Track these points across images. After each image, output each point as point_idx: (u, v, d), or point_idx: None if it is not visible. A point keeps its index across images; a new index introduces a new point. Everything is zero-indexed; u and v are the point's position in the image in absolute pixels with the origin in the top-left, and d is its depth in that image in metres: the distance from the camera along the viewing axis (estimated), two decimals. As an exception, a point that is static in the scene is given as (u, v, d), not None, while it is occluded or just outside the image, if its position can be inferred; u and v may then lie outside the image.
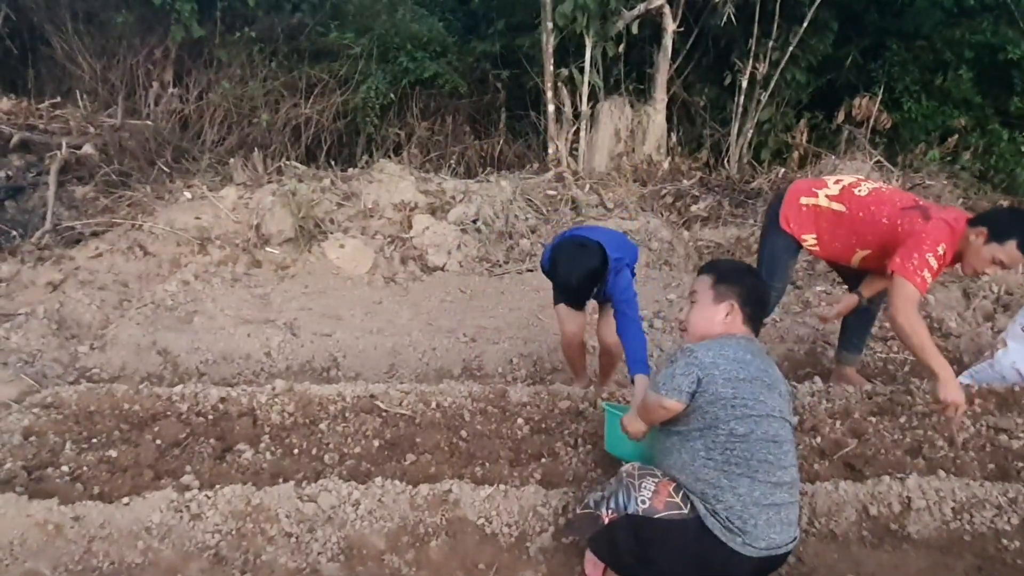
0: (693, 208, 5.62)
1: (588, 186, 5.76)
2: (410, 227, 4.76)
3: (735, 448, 2.04)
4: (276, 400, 2.98)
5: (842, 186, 3.18)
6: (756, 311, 2.30)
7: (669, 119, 7.62)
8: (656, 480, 2.14)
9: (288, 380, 3.23)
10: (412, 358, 3.74)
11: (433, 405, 2.99)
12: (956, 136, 7.42)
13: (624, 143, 6.91)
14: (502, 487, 2.46)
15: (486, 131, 8.06)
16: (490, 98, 8.13)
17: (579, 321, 3.21)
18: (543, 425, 2.94)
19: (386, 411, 2.94)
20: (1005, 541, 2.52)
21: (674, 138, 7.21)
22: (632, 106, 7.00)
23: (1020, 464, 2.80)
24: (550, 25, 6.01)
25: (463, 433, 2.85)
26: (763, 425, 2.07)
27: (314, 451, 2.71)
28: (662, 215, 5.57)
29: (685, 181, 6.30)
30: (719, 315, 2.25)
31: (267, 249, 4.63)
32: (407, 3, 7.79)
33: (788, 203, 3.23)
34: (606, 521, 2.15)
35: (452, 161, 7.51)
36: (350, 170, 5.59)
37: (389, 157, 7.52)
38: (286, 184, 4.87)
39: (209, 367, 3.69)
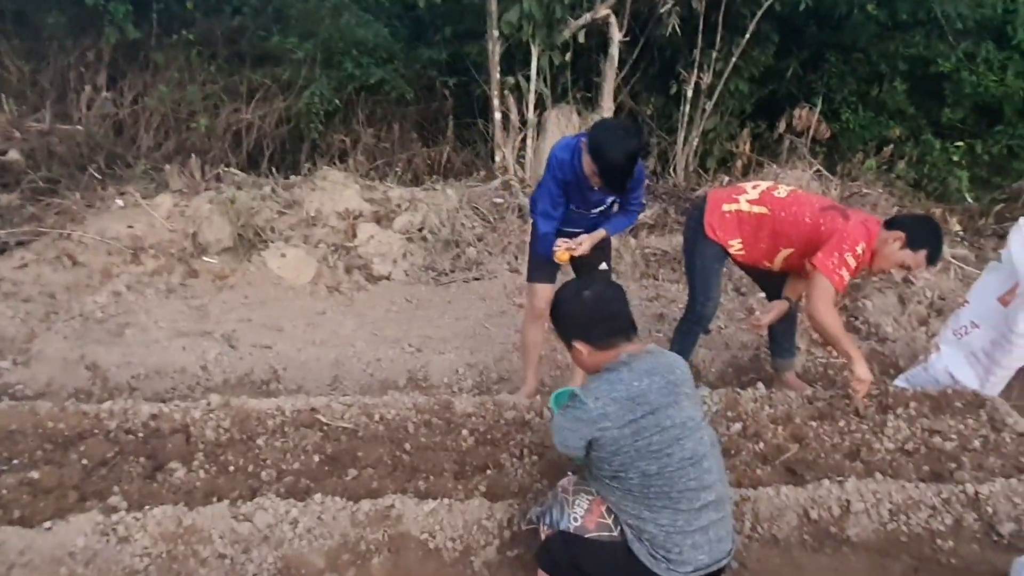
0: (640, 216, 5.66)
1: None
2: (354, 236, 4.66)
3: (652, 485, 2.01)
4: (211, 415, 2.87)
5: (761, 190, 3.29)
6: (606, 327, 2.11)
7: (617, 127, 7.67)
8: (590, 499, 2.14)
9: (225, 394, 3.12)
10: (356, 369, 3.65)
11: (376, 418, 2.92)
12: (892, 146, 7.68)
13: (572, 151, 6.91)
14: (446, 501, 2.41)
15: (434, 138, 7.99)
16: (437, 105, 8.06)
17: (549, 297, 3.16)
18: (489, 436, 2.89)
19: (327, 425, 2.86)
20: (940, 541, 2.58)
21: (621, 146, 7.25)
22: (579, 114, 7.02)
23: (953, 465, 2.87)
24: (496, 33, 5.99)
25: (407, 446, 2.78)
26: (676, 453, 2.00)
27: (251, 468, 2.61)
28: (609, 223, 5.59)
29: (632, 189, 6.33)
30: (585, 357, 2.15)
31: (204, 259, 4.47)
32: (352, 8, 7.65)
33: (711, 212, 3.31)
34: (543, 537, 2.17)
35: (399, 169, 7.42)
36: (292, 177, 5.45)
37: (334, 164, 7.38)
38: (224, 191, 4.71)
39: (141, 382, 3.53)
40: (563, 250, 3.04)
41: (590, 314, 2.12)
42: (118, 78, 7.35)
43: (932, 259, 3.10)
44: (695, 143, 7.68)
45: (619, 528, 2.07)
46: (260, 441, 2.75)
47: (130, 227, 4.60)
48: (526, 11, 5.66)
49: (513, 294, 4.51)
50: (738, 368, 3.92)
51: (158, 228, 4.61)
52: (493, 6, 5.84)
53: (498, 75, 6.21)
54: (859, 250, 3.07)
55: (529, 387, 3.32)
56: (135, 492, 2.53)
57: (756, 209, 3.27)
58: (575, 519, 2.10)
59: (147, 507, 2.36)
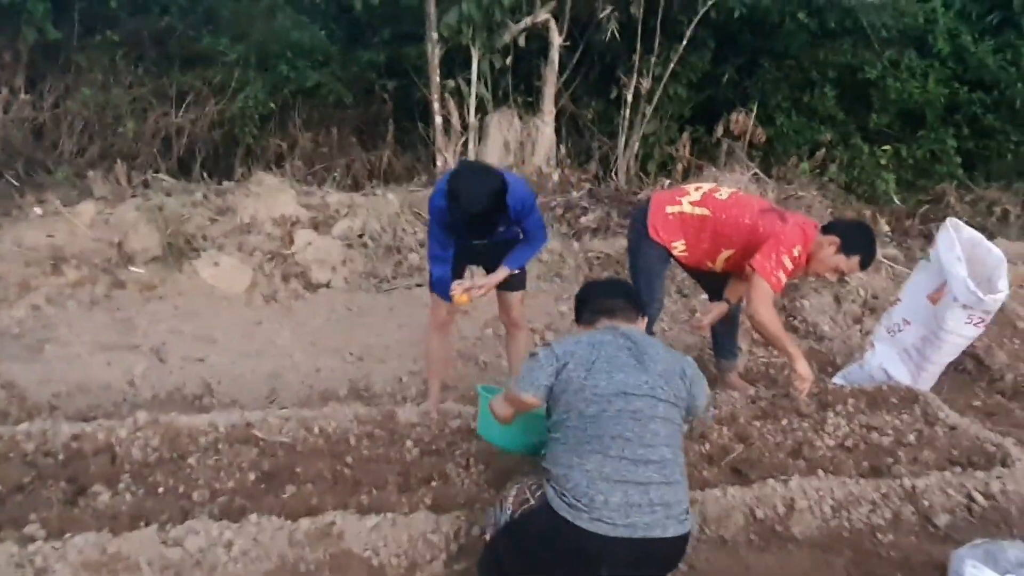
0: (583, 220, 5.69)
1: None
2: (292, 243, 4.52)
3: (587, 428, 2.02)
4: (138, 434, 2.71)
5: (703, 192, 3.35)
6: (591, 308, 2.36)
7: (558, 131, 7.70)
8: (518, 486, 2.16)
9: (154, 411, 2.95)
10: (294, 381, 3.52)
11: (316, 431, 2.81)
12: (823, 150, 7.93)
13: (514, 155, 6.91)
14: (390, 515, 2.32)
15: (373, 143, 7.84)
16: (377, 109, 7.91)
17: (451, 307, 3.12)
18: (433, 447, 2.82)
19: (264, 440, 2.73)
20: (879, 536, 2.63)
21: (563, 150, 7.29)
22: (521, 118, 7.02)
23: (890, 460, 2.94)
24: (435, 36, 5.92)
25: (348, 459, 2.69)
26: (619, 403, 2.03)
27: (181, 489, 2.47)
28: (552, 227, 5.59)
29: (575, 193, 6.36)
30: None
31: (131, 268, 4.25)
32: (286, 10, 7.44)
33: (654, 214, 3.34)
34: (488, 539, 2.16)
35: (337, 174, 7.26)
36: (225, 183, 5.25)
37: (271, 169, 7.17)
38: (153, 198, 4.50)
39: (62, 400, 3.32)
40: (460, 292, 2.93)
41: (582, 297, 2.43)
42: (37, 80, 6.95)
43: (865, 264, 3.23)
44: (636, 147, 7.76)
45: (538, 494, 2.06)
46: (192, 460, 2.61)
47: (50, 236, 4.34)
48: (465, 14, 5.61)
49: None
50: (682, 370, 3.93)
51: (80, 237, 4.37)
52: (432, 8, 5.77)
53: (438, 78, 6.14)
54: (795, 252, 3.16)
55: (433, 397, 3.25)
56: (55, 519, 2.35)
57: (698, 211, 3.32)
58: (507, 508, 2.12)
59: (68, 535, 2.20)
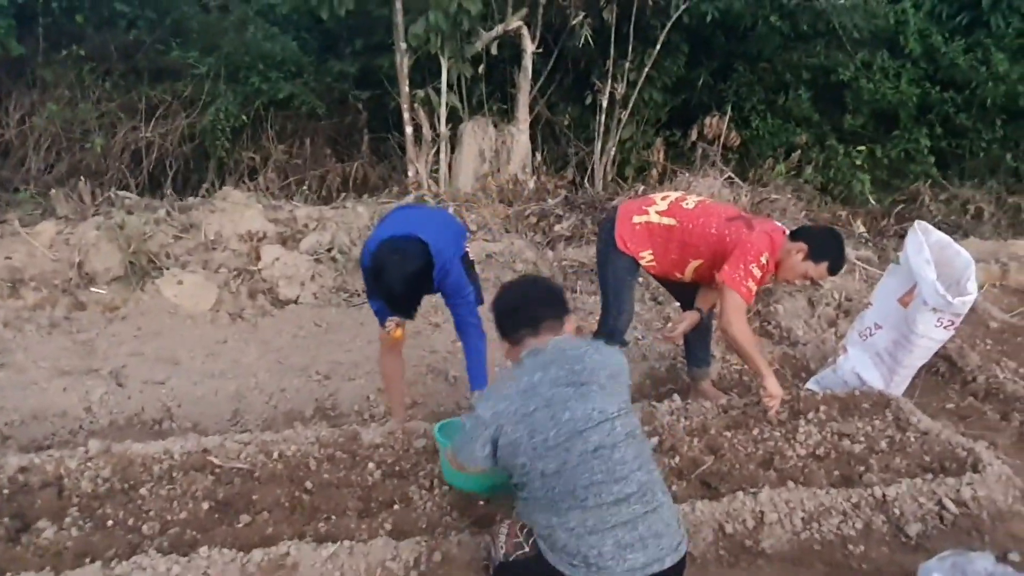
0: (557, 227, 5.64)
1: (452, 208, 5.64)
2: (258, 259, 4.43)
3: (555, 487, 1.89)
4: (88, 464, 2.61)
5: (670, 201, 3.31)
6: (511, 320, 2.11)
7: (534, 139, 7.67)
8: (508, 523, 2.09)
9: (112, 438, 2.87)
10: (258, 402, 3.44)
11: (275, 455, 2.73)
12: (799, 152, 7.94)
13: (489, 163, 6.86)
14: (347, 543, 2.25)
15: (348, 153, 7.79)
16: (351, 119, 7.86)
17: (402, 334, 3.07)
18: (397, 468, 2.75)
19: (220, 467, 2.65)
20: (851, 547, 2.59)
21: (539, 157, 7.25)
22: (496, 126, 6.98)
23: (862, 468, 2.90)
24: (404, 45, 5.87)
25: (308, 484, 2.61)
26: (576, 447, 1.88)
27: (131, 521, 2.38)
28: (527, 235, 5.55)
29: (550, 200, 6.32)
30: (506, 353, 2.19)
31: (92, 289, 4.15)
32: (257, 21, 7.38)
33: (621, 224, 3.30)
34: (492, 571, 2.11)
35: (313, 185, 7.19)
36: (191, 199, 5.17)
37: (244, 182, 7.11)
38: (114, 216, 4.40)
39: (15, 429, 3.21)
40: (393, 327, 2.91)
41: (500, 309, 2.15)
42: (2, 97, 6.85)
43: (833, 270, 3.20)
44: (612, 152, 7.74)
45: (531, 541, 1.98)
46: (144, 490, 2.52)
47: (8, 258, 4.24)
48: (432, 23, 5.56)
49: (429, 313, 4.38)
50: (655, 379, 3.90)
51: (39, 258, 4.26)
52: (399, 18, 5.72)
53: (408, 88, 6.08)
54: (763, 260, 3.13)
55: (396, 415, 3.18)
56: (-4, 557, 2.27)
57: (665, 221, 3.27)
58: (501, 547, 2.06)
59: (8, 575, 2.11)
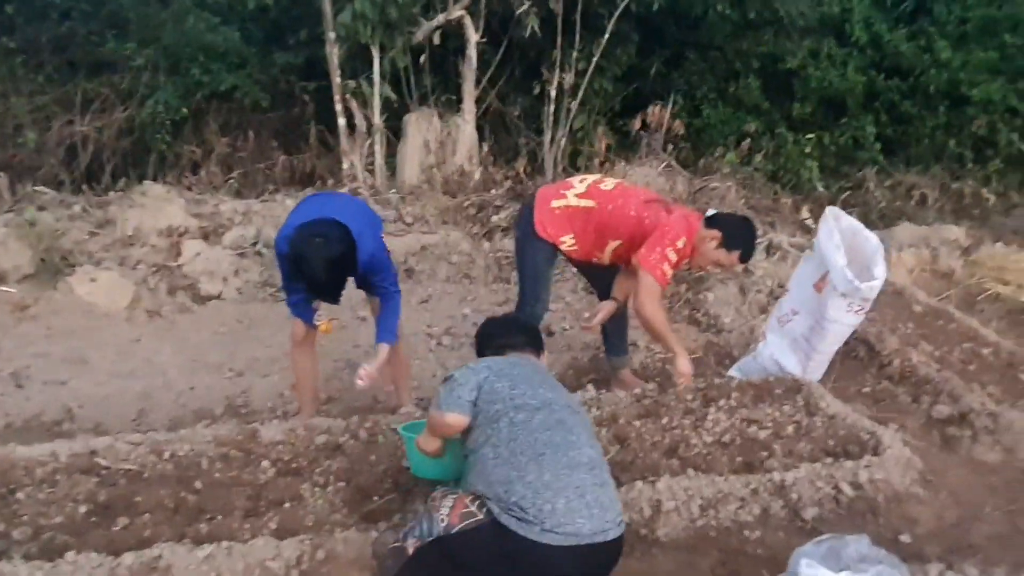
0: (495, 218, 5.61)
1: (390, 201, 5.58)
2: (179, 254, 4.35)
3: (518, 437, 2.02)
4: (-31, 469, 2.54)
5: (588, 184, 3.32)
6: (506, 341, 2.46)
7: (484, 129, 7.62)
8: (455, 496, 2.10)
9: (8, 441, 2.79)
10: (166, 401, 3.37)
11: (167, 456, 2.68)
12: (749, 140, 7.96)
13: (434, 155, 6.80)
14: (225, 544, 2.20)
15: (296, 146, 7.67)
16: (298, 111, 7.75)
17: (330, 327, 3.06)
18: (293, 465, 2.70)
19: (107, 469, 2.59)
20: (747, 532, 2.59)
21: (486, 148, 7.20)
22: (441, 117, 6.91)
23: (765, 454, 2.90)
24: (332, 35, 5.77)
25: (197, 484, 2.55)
26: (544, 412, 2.09)
27: (2, 527, 2.32)
28: (465, 227, 5.51)
29: (493, 191, 6.28)
30: None
31: (1, 288, 4.04)
32: (197, 12, 7.22)
33: (540, 210, 3.28)
34: (411, 551, 2.06)
35: (258, 179, 7.09)
36: (112, 194, 5.05)
37: (186, 176, 6.99)
38: (25, 213, 4.29)
39: (-95, 434, 3.13)
40: (324, 323, 2.95)
41: (479, 332, 2.57)
42: (-72, 91, 6.67)
43: (744, 259, 3.25)
44: (563, 143, 7.70)
45: (484, 510, 1.99)
46: (21, 494, 2.45)
47: (-84, 258, 4.12)
48: (358, 11, 5.47)
49: (357, 306, 4.32)
50: (579, 370, 3.89)
51: (-53, 258, 4.15)
52: (327, 7, 5.62)
53: (339, 79, 5.99)
54: (680, 244, 3.15)
55: (305, 413, 3.14)
56: None
57: (583, 203, 3.28)
58: (442, 520, 2.04)
59: None
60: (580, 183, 3.37)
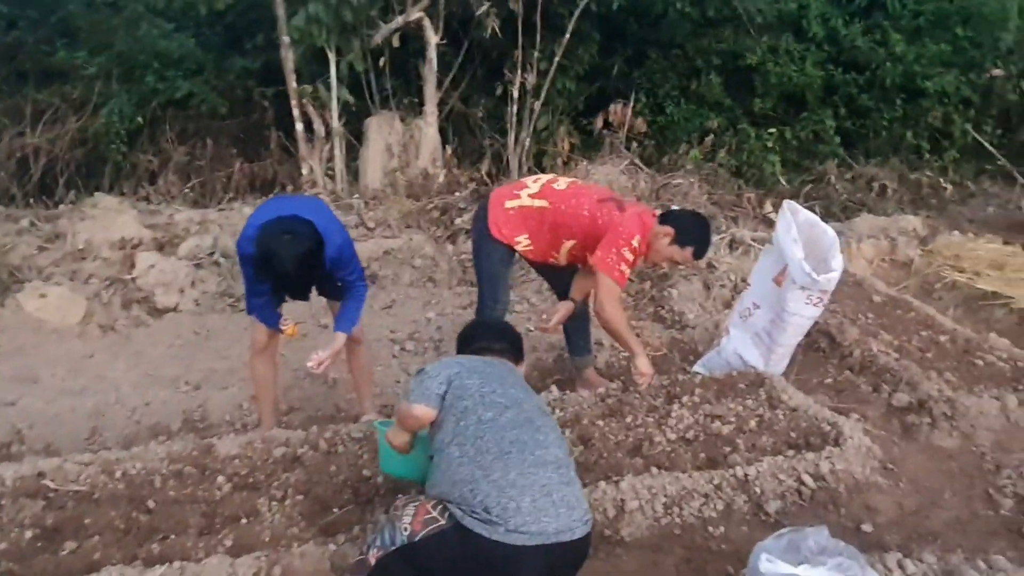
0: (458, 221, 5.57)
1: (352, 206, 5.52)
2: (132, 267, 4.24)
3: (485, 435, 2.01)
4: (-92, 497, 2.44)
5: (541, 184, 3.30)
6: (486, 344, 2.46)
7: (447, 131, 7.58)
8: (416, 504, 2.06)
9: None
10: (120, 417, 3.28)
11: (118, 475, 2.60)
12: (712, 136, 8.02)
13: (398, 158, 6.74)
14: (177, 564, 2.14)
15: (256, 152, 7.56)
16: (258, 117, 7.63)
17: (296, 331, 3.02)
18: (249, 480, 2.64)
19: (55, 491, 2.51)
20: (711, 528, 2.59)
21: (449, 150, 7.16)
22: (403, 120, 6.86)
23: (728, 449, 2.91)
24: (287, 39, 5.69)
25: (150, 503, 2.48)
26: (513, 410, 2.09)
27: (-57, 557, 2.23)
28: (428, 230, 5.46)
29: (456, 194, 6.24)
30: None
31: (-54, 307, 3.92)
32: (150, 18, 7.07)
33: (494, 211, 3.26)
34: (373, 562, 2.01)
35: (218, 187, 6.97)
36: (60, 207, 4.92)
37: (142, 187, 6.85)
38: (-32, 229, 4.17)
39: None
40: (290, 325, 2.93)
41: (467, 335, 2.56)
42: None
43: (698, 255, 3.25)
44: (527, 143, 7.69)
45: (446, 516, 1.96)
46: (-36, 521, 2.36)
47: None
48: (312, 15, 5.40)
49: (319, 314, 4.26)
50: (543, 370, 3.87)
51: None
52: (281, 10, 5.54)
53: (295, 84, 5.91)
54: (635, 243, 3.14)
55: (265, 424, 3.09)
56: None
57: (537, 203, 3.26)
58: (405, 529, 2.00)
59: None
60: (534, 183, 3.35)
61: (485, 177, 7.09)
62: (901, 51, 7.65)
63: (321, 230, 2.64)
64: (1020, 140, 8.13)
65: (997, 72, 7.89)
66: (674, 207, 3.56)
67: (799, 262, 3.32)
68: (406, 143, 6.79)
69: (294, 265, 2.53)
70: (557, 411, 3.16)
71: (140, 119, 6.91)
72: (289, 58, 5.68)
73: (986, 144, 7.94)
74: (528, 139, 7.69)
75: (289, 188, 6.21)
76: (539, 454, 2.01)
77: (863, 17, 8.02)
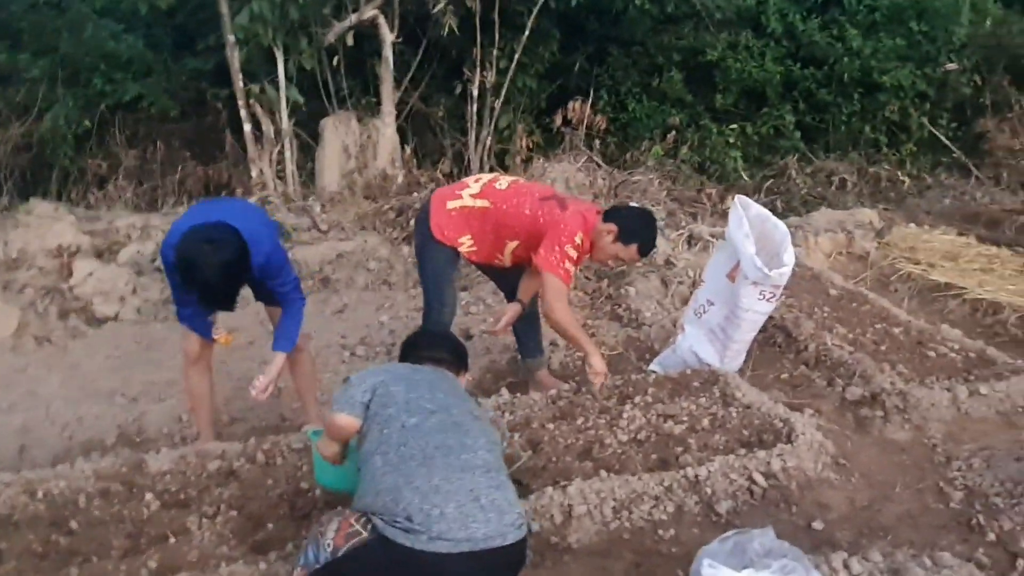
0: (414, 222, 5.45)
1: (304, 208, 5.39)
2: (70, 275, 4.08)
3: (408, 441, 1.96)
4: None
5: (482, 183, 3.23)
6: (429, 353, 2.43)
7: (407, 131, 7.47)
8: (340, 518, 1.97)
9: None
10: (50, 434, 3.13)
11: (40, 495, 2.47)
12: (674, 132, 8.01)
13: (355, 159, 6.62)
14: (95, 589, 2.03)
15: (211, 155, 7.38)
16: (211, 119, 7.44)
17: (202, 340, 2.88)
18: (181, 496, 2.53)
19: (-30, 514, 2.37)
20: (661, 531, 2.53)
21: (408, 150, 7.05)
22: (360, 120, 6.73)
23: (680, 449, 2.85)
24: (232, 38, 5.55)
25: (72, 524, 2.36)
26: (440, 415, 2.05)
27: None
28: (384, 232, 5.35)
29: (415, 194, 6.14)
30: None
31: None
32: (95, 19, 6.85)
33: (436, 212, 3.18)
34: None
35: (171, 191, 6.79)
36: (-4, 214, 4.75)
37: (92, 193, 6.64)
38: None
39: None
40: (224, 334, 2.86)
41: (411, 343, 2.54)
42: None
43: (643, 252, 3.19)
44: (488, 142, 7.61)
45: (370, 527, 1.88)
46: None
47: None
48: (256, 13, 5.26)
49: (266, 321, 4.12)
50: (496, 373, 3.79)
51: None
52: (225, 9, 5.40)
53: (241, 84, 5.76)
54: (577, 240, 3.08)
55: (204, 436, 2.97)
56: None
57: (479, 203, 3.19)
58: (328, 545, 1.92)
59: None
60: (475, 183, 3.27)
61: (444, 177, 6.99)
62: (858, 46, 7.70)
63: (248, 236, 2.52)
64: (975, 133, 8.23)
65: (951, 66, 7.99)
66: (618, 205, 3.49)
67: (751, 257, 3.28)
68: (364, 144, 6.67)
69: (215, 275, 2.41)
70: (507, 415, 3.09)
71: (88, 123, 6.71)
72: (235, 58, 5.53)
73: (942, 137, 8.04)
74: (489, 138, 7.61)
75: (239, 191, 6.04)
76: (466, 458, 1.95)
77: (820, 12, 8.06)
